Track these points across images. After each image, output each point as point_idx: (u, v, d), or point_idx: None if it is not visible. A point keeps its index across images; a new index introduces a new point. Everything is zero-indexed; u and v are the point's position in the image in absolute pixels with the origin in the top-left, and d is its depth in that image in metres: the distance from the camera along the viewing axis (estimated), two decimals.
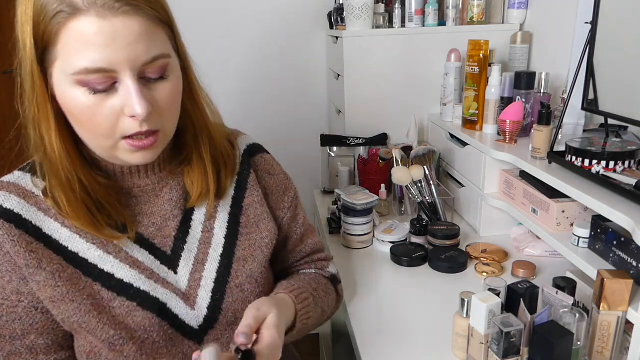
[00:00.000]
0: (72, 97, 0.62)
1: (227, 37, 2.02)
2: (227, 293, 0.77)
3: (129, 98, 0.62)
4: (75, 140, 0.69)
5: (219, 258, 0.79)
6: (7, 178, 0.73)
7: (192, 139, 0.77)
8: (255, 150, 0.88)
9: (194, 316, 0.75)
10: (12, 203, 0.69)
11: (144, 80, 0.64)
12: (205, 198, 0.79)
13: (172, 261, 0.76)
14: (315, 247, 0.95)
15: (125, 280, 0.72)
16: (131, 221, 0.75)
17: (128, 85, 0.62)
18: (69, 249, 0.71)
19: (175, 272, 0.76)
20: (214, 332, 0.77)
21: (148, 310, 0.72)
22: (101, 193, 0.71)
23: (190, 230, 0.78)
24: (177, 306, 0.74)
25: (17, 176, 0.73)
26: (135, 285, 0.72)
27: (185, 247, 0.78)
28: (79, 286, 0.70)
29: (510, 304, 0.83)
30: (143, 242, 0.75)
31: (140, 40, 0.61)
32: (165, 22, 0.66)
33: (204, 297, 0.76)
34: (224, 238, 0.80)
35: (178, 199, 0.78)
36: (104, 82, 0.61)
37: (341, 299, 0.98)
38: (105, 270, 0.72)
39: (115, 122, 0.64)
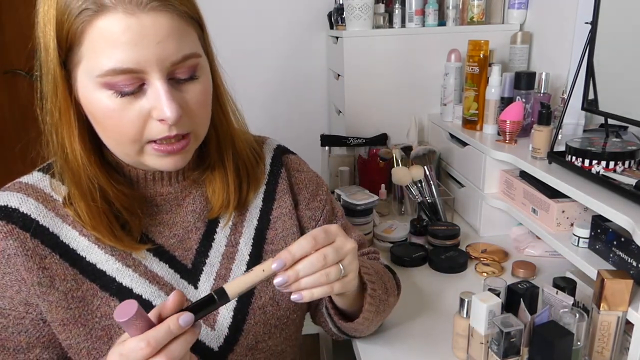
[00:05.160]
0: (97, 101, 0.59)
1: (227, 37, 2.02)
2: (249, 314, 0.73)
3: (158, 100, 0.58)
4: (97, 145, 0.66)
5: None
6: (25, 179, 0.69)
7: (215, 146, 0.73)
8: (280, 152, 0.84)
9: (213, 337, 0.71)
10: (30, 207, 0.65)
11: (173, 81, 0.60)
12: (227, 210, 0.75)
13: (192, 275, 0.72)
14: (361, 240, 0.90)
15: (143, 297, 0.68)
16: (152, 231, 0.71)
17: (157, 87, 0.58)
18: (87, 259, 0.67)
19: (196, 287, 0.72)
20: (233, 355, 0.72)
21: None
22: (123, 202, 0.67)
23: (213, 244, 0.74)
24: None
25: (36, 178, 0.69)
26: (154, 303, 0.68)
27: (207, 261, 0.73)
28: (91, 306, 0.66)
29: (510, 304, 0.83)
30: (163, 254, 0.71)
31: (169, 38, 0.57)
32: (195, 19, 0.63)
33: (225, 316, 0.72)
34: (249, 255, 0.76)
35: (201, 210, 0.74)
36: (131, 84, 0.57)
37: (400, 289, 0.92)
38: (124, 284, 0.68)
39: (142, 126, 0.60)
